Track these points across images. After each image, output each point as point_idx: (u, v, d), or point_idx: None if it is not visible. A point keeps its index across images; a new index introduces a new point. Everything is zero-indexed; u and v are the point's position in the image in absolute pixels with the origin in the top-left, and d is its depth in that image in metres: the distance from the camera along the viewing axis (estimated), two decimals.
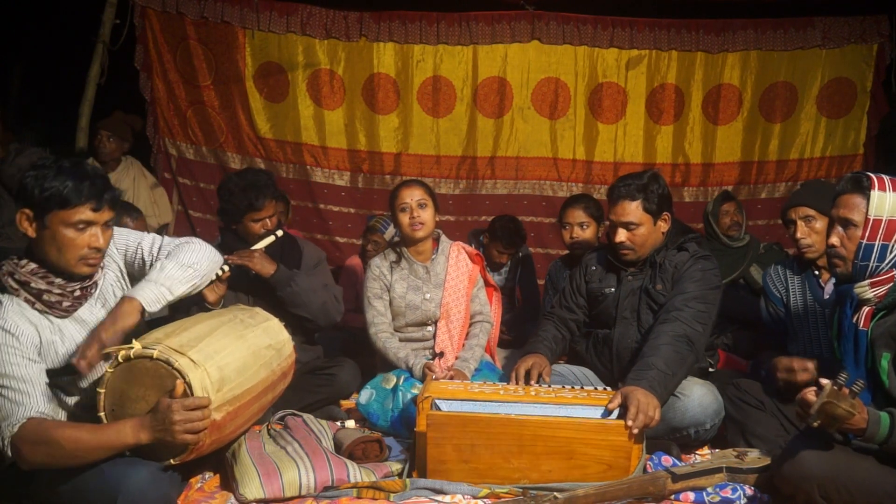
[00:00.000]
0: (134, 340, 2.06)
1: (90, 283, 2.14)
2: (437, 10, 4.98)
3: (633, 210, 2.82)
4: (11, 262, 2.08)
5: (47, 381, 2.05)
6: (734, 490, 2.32)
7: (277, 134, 5.14)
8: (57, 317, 2.09)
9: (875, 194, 2.08)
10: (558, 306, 3.10)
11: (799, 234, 2.84)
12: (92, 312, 2.16)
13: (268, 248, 3.09)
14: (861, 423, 1.91)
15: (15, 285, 2.06)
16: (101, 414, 2.01)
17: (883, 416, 1.94)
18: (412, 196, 3.16)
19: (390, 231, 4.32)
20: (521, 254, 4.34)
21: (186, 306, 3.02)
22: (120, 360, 2.01)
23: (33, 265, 2.07)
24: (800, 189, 3.22)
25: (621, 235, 2.84)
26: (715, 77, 5.07)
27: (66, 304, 2.10)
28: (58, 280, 2.07)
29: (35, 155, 4.05)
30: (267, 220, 3.12)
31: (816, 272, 2.88)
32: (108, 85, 4.74)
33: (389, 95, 5.09)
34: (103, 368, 2.07)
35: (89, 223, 2.04)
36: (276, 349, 2.47)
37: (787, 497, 2.12)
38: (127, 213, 3.63)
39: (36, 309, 2.06)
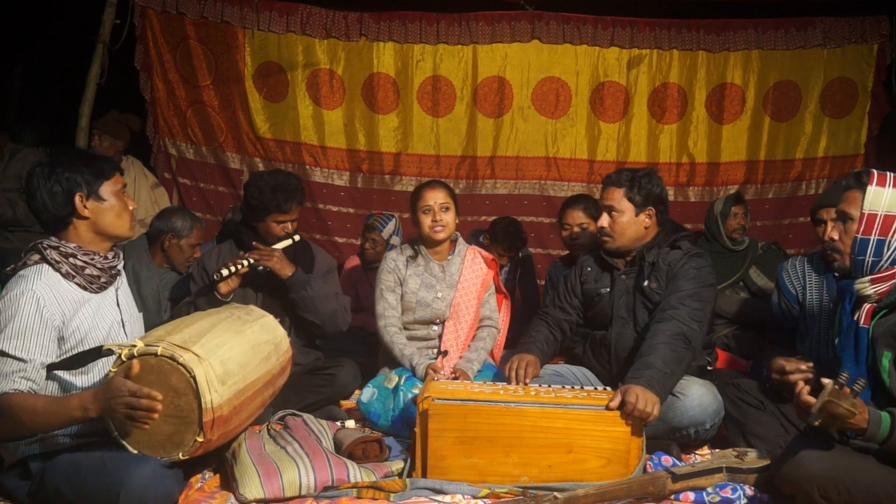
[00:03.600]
0: (136, 339, 2.08)
1: (118, 264, 2.30)
2: (437, 9, 4.97)
3: (616, 196, 2.90)
4: (51, 239, 2.20)
5: (59, 362, 2.11)
6: (734, 490, 2.32)
7: (276, 134, 5.13)
8: (92, 292, 2.21)
9: (871, 189, 2.09)
10: (552, 306, 3.11)
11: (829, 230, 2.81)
12: (109, 297, 2.27)
13: (283, 250, 3.12)
14: (862, 423, 1.91)
15: (58, 258, 2.16)
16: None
17: (884, 416, 1.94)
18: (436, 199, 3.18)
19: (388, 229, 4.32)
20: (521, 254, 4.34)
21: (194, 299, 3.06)
22: (124, 358, 2.01)
23: (73, 244, 2.20)
24: (831, 188, 3.20)
25: (603, 220, 2.92)
26: (718, 76, 5.06)
27: (103, 279, 2.23)
28: (97, 257, 2.22)
29: (32, 154, 4.10)
30: (289, 223, 3.14)
31: (837, 273, 2.86)
32: (108, 85, 4.73)
33: (389, 95, 5.09)
34: (106, 369, 2.09)
35: (124, 186, 2.31)
36: (275, 344, 2.49)
37: (787, 497, 2.11)
38: (198, 221, 3.77)
39: (75, 283, 2.16)
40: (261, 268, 3.06)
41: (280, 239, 3.13)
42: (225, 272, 2.94)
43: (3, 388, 2.02)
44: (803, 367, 2.51)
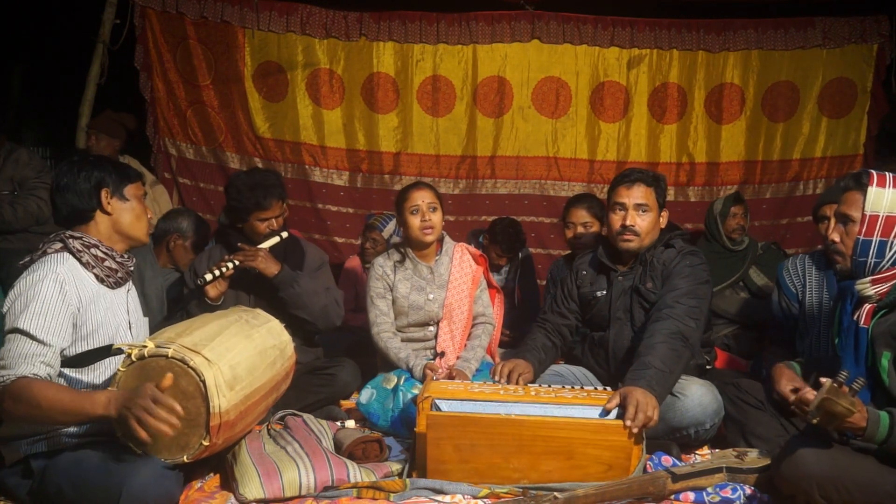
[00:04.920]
0: (147, 340, 2.08)
1: (131, 265, 2.34)
2: (437, 9, 4.97)
3: (648, 194, 2.86)
4: (73, 231, 2.25)
5: (68, 359, 2.14)
6: (734, 490, 2.32)
7: (276, 133, 5.13)
8: (107, 286, 2.25)
9: (872, 190, 2.09)
10: (550, 311, 3.10)
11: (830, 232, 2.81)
12: (120, 297, 2.31)
13: (271, 248, 3.11)
14: (860, 422, 1.91)
15: (80, 247, 2.20)
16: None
17: (882, 416, 1.94)
18: (423, 199, 3.16)
19: (388, 229, 4.32)
20: (521, 254, 4.34)
21: (185, 304, 3.06)
22: (134, 358, 2.01)
23: (94, 238, 2.25)
24: (834, 185, 3.20)
25: (634, 219, 2.85)
26: (717, 76, 5.06)
27: (119, 274, 2.28)
28: (114, 252, 2.28)
29: (26, 155, 4.10)
30: (273, 220, 3.13)
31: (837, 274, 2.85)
32: (108, 85, 4.73)
33: (389, 95, 5.09)
34: (112, 368, 2.10)
35: (144, 195, 2.41)
36: (280, 349, 2.49)
37: (787, 497, 2.12)
38: (203, 223, 3.80)
39: (93, 273, 2.21)
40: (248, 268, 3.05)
41: (267, 237, 3.12)
42: (209, 276, 2.93)
43: (24, 372, 2.01)
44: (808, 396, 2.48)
